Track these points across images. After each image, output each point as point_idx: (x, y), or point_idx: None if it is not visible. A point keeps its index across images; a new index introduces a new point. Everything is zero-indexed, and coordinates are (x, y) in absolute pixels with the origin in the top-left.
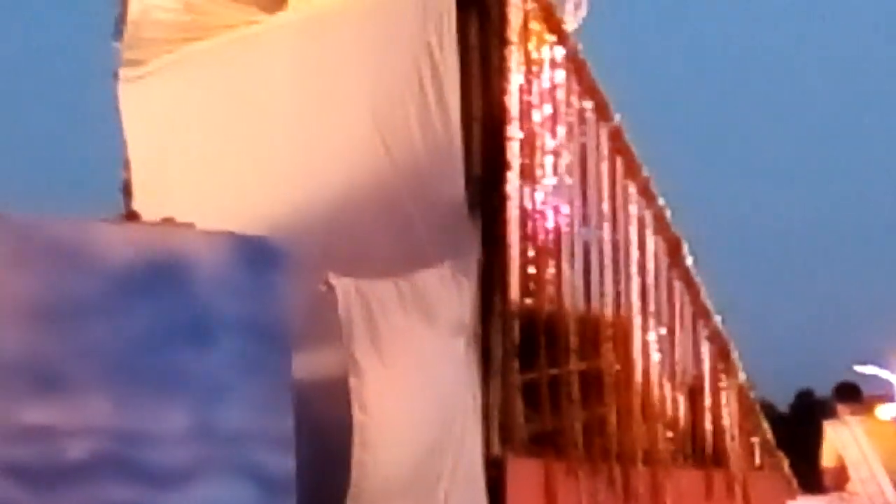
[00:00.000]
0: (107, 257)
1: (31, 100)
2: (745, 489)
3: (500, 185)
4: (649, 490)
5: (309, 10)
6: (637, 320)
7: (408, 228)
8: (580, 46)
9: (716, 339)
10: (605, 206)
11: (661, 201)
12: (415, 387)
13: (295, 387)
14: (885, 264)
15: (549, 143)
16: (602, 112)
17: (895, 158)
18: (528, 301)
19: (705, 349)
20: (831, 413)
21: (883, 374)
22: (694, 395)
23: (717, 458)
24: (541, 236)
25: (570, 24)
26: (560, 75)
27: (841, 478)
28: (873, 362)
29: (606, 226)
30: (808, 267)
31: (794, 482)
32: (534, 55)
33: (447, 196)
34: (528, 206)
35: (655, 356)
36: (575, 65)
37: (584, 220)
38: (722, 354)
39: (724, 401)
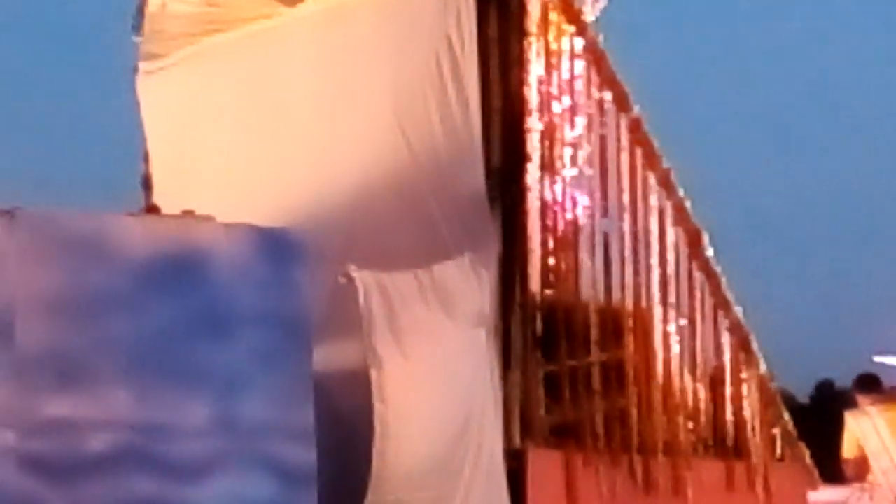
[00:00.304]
0: (127, 251)
1: (50, 94)
2: (766, 480)
3: (519, 177)
4: (670, 481)
5: (328, 2)
6: (657, 311)
7: (428, 220)
8: (599, 37)
9: (736, 329)
10: (625, 198)
11: (681, 192)
12: (435, 378)
13: (315, 379)
14: None
15: (569, 135)
16: (622, 103)
17: None
18: (549, 292)
19: (726, 340)
20: (852, 403)
21: None
22: (715, 386)
23: (738, 450)
24: (561, 228)
25: (590, 14)
26: (579, 66)
27: (862, 468)
28: (894, 352)
29: (626, 217)
30: (828, 257)
31: (815, 473)
32: (553, 46)
33: (467, 188)
34: (548, 197)
35: (676, 347)
36: (594, 56)
37: (604, 211)
38: (743, 345)
39: (744, 392)
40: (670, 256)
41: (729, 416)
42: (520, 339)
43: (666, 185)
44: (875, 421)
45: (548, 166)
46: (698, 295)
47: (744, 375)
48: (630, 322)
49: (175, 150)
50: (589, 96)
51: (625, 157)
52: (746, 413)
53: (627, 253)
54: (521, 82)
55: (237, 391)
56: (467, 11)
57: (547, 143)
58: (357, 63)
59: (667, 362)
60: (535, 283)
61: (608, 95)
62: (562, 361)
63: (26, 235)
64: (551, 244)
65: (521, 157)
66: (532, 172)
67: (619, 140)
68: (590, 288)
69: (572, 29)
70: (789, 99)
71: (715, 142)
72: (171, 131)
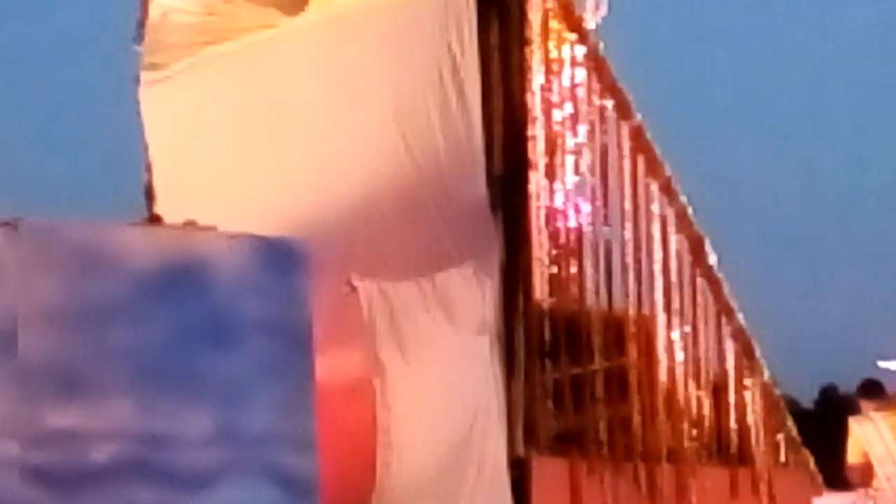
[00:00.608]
0: (130, 261)
1: (52, 104)
2: (771, 486)
3: (521, 185)
4: (674, 489)
5: (329, 11)
6: (660, 319)
7: (430, 228)
8: (601, 45)
9: (739, 336)
10: (627, 205)
11: (683, 199)
12: (438, 387)
13: (318, 388)
14: None
15: (571, 142)
16: (623, 110)
17: None
18: (551, 300)
19: (729, 347)
20: (856, 409)
21: None
22: (718, 392)
23: (742, 456)
24: (563, 235)
25: (590, 22)
26: (581, 74)
27: (867, 474)
28: None
29: (628, 224)
30: (831, 262)
31: (820, 479)
32: (554, 54)
33: (469, 196)
34: (550, 205)
35: (679, 354)
36: (595, 63)
37: (606, 218)
38: (746, 352)
39: (748, 398)
40: (673, 264)
41: (732, 422)
42: (523, 347)
43: (668, 192)
44: (879, 426)
45: (550, 174)
46: (701, 302)
47: (747, 382)
48: (633, 329)
49: (177, 160)
50: (590, 104)
51: (626, 164)
52: (750, 419)
53: (630, 260)
54: (523, 90)
55: (240, 401)
56: (468, 20)
57: (548, 150)
58: (358, 72)
59: (670, 369)
60: (537, 290)
61: (609, 103)
62: (565, 369)
63: (29, 245)
64: (554, 252)
65: (523, 165)
66: (534, 180)
67: (620, 147)
68: (593, 295)
69: (573, 37)
70: (793, 105)
71: (717, 148)
72: (173, 141)
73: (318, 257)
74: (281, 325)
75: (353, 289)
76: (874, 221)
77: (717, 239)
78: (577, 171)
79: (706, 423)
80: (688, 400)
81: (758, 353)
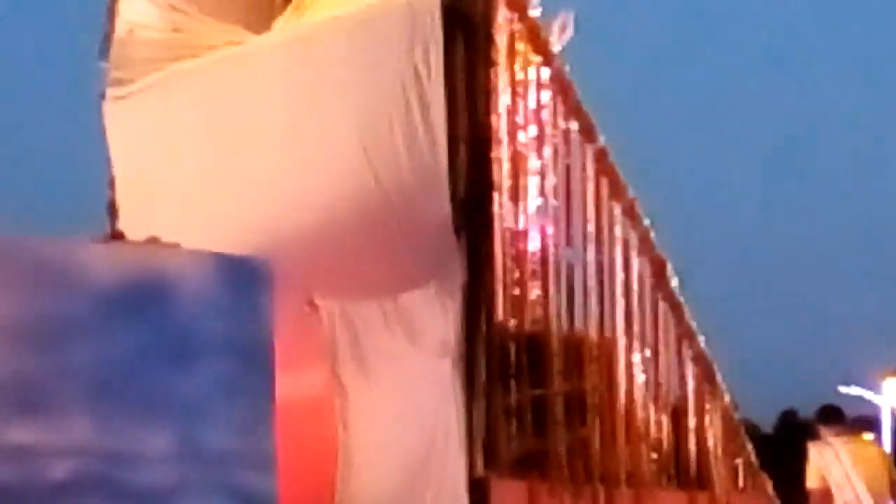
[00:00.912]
0: (91, 277)
1: (15, 119)
2: None
3: (485, 207)
4: None
5: (295, 31)
6: (622, 341)
7: (393, 249)
8: (566, 67)
9: (700, 360)
10: (591, 227)
11: (646, 222)
12: (399, 407)
13: (279, 407)
14: (870, 285)
15: (535, 164)
16: (587, 133)
17: (880, 178)
18: (514, 322)
19: (690, 370)
20: (815, 434)
21: (867, 395)
22: (678, 416)
23: (701, 480)
24: (526, 257)
25: (556, 45)
26: (546, 96)
27: (825, 500)
28: (857, 383)
29: (591, 247)
30: (793, 288)
31: (778, 503)
32: (520, 76)
33: (433, 217)
34: (514, 227)
35: (640, 377)
36: (561, 86)
37: (569, 241)
38: (706, 376)
39: (708, 422)
40: (635, 286)
41: (692, 446)
42: (484, 369)
43: (631, 215)
44: (838, 452)
45: (513, 196)
46: (662, 325)
47: (707, 406)
48: (594, 352)
49: (141, 177)
50: (555, 126)
51: (590, 186)
52: (710, 443)
53: (592, 283)
54: (488, 111)
55: (200, 418)
56: (434, 41)
57: (513, 172)
58: (323, 91)
59: (630, 392)
60: (499, 312)
61: (574, 125)
62: (526, 391)
63: None
64: (516, 274)
65: (487, 187)
66: (498, 202)
67: (584, 170)
68: (554, 317)
69: (539, 59)
70: (755, 127)
71: (681, 171)
72: (136, 157)
73: (281, 276)
74: (242, 343)
75: (315, 308)
76: (836, 248)
77: (679, 262)
78: (541, 193)
79: (665, 447)
80: (647, 423)
81: (718, 377)
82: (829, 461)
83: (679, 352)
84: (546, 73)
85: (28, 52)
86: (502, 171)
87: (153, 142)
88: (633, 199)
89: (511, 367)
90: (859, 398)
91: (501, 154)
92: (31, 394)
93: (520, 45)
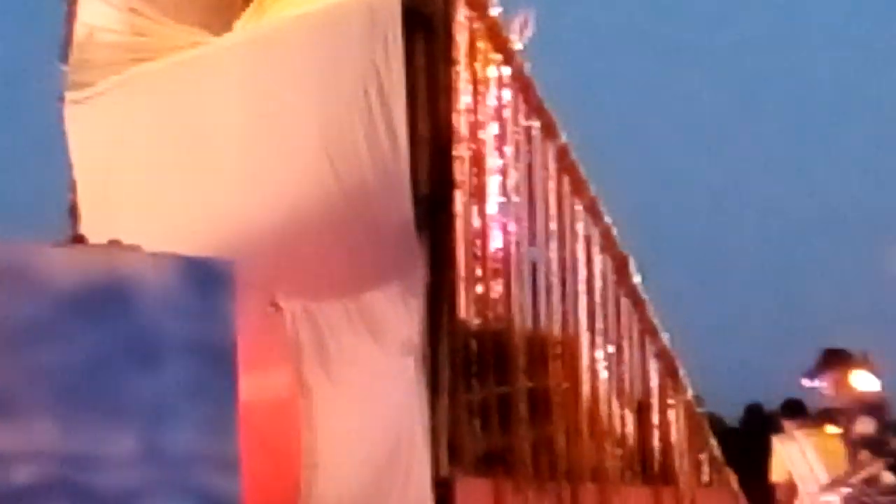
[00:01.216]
0: (53, 280)
1: None
2: None
3: (447, 205)
4: None
5: (255, 31)
6: (585, 338)
7: (356, 248)
8: (526, 65)
9: (663, 356)
10: (553, 225)
11: (607, 219)
12: (363, 407)
13: (243, 408)
14: (835, 278)
15: (496, 163)
16: (549, 131)
17: (847, 170)
18: (477, 320)
19: (653, 366)
20: (779, 428)
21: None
22: (642, 412)
23: (666, 475)
24: (488, 255)
25: (517, 43)
26: (507, 94)
27: (791, 493)
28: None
29: (553, 244)
30: (756, 281)
31: (743, 498)
32: (480, 75)
33: (395, 216)
34: (476, 225)
35: (603, 374)
36: (521, 84)
37: (532, 238)
38: (669, 371)
39: (672, 418)
40: (597, 283)
41: (656, 441)
42: (448, 367)
43: (593, 212)
44: (802, 445)
45: (475, 194)
46: (625, 321)
47: (671, 401)
48: (557, 349)
49: (102, 180)
50: (516, 124)
51: (552, 184)
52: (674, 439)
53: (555, 280)
54: (449, 110)
55: (163, 421)
56: (395, 40)
57: (474, 170)
58: (284, 92)
59: (594, 389)
60: (462, 310)
61: (535, 123)
62: (490, 389)
63: None
64: (479, 272)
65: (448, 185)
66: (460, 200)
67: (546, 168)
68: (518, 315)
69: (499, 57)
70: (719, 122)
71: (642, 167)
72: (97, 160)
73: (243, 277)
74: (205, 345)
75: (278, 309)
76: (800, 240)
77: (640, 258)
78: (502, 192)
79: (630, 443)
80: (611, 419)
81: (682, 372)
82: (793, 454)
83: (642, 348)
84: (507, 71)
85: None
86: (464, 170)
87: (114, 145)
88: (595, 197)
89: (475, 365)
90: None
91: (463, 152)
92: None
93: (480, 44)
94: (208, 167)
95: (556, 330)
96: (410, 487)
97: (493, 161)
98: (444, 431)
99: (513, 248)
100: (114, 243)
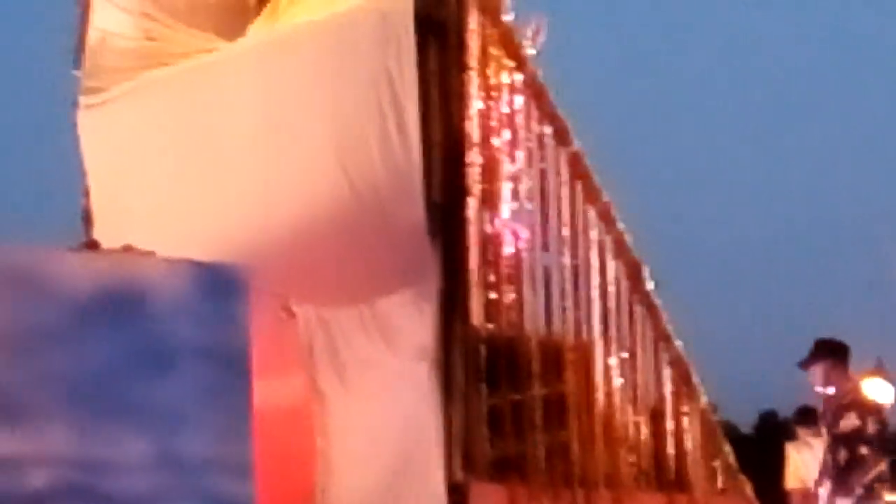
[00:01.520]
0: (67, 286)
1: None
2: None
3: (460, 211)
4: None
5: (268, 37)
6: (598, 345)
7: (369, 254)
8: (539, 71)
9: (677, 362)
10: (566, 231)
11: (620, 226)
12: (377, 413)
13: (257, 414)
14: (850, 284)
15: (509, 169)
16: (562, 137)
17: (857, 178)
18: (490, 326)
19: (667, 373)
20: (793, 435)
21: None
22: (656, 418)
23: (680, 482)
24: (501, 261)
25: (529, 49)
26: (519, 100)
27: (806, 500)
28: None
29: (567, 251)
30: (771, 288)
31: None
32: (493, 81)
33: (407, 222)
34: (489, 231)
35: (617, 380)
36: (534, 90)
37: (545, 245)
38: (683, 378)
39: (686, 424)
40: (611, 290)
41: (670, 448)
42: (461, 373)
43: (606, 218)
44: (817, 452)
45: (488, 200)
46: (639, 328)
47: (685, 408)
48: (571, 355)
49: (115, 185)
50: (529, 130)
51: (565, 190)
52: (688, 445)
53: (568, 286)
54: (462, 116)
55: (177, 426)
56: (407, 45)
57: (487, 177)
58: (296, 97)
59: (608, 395)
60: (476, 316)
61: (548, 129)
62: (503, 395)
63: None
64: (492, 278)
65: (461, 191)
66: (472, 206)
67: (559, 174)
68: (531, 321)
69: (512, 63)
70: (731, 128)
71: (655, 173)
72: (111, 166)
73: (257, 283)
74: (219, 350)
75: (292, 315)
76: (813, 247)
77: (654, 265)
78: (515, 198)
79: (644, 449)
80: (626, 426)
81: (696, 378)
82: (807, 461)
83: (656, 354)
84: (519, 77)
85: (1, 57)
86: (476, 176)
87: (127, 150)
88: (608, 203)
89: (488, 371)
90: None
91: (475, 159)
92: (6, 403)
93: (493, 50)
94: (221, 173)
95: (570, 336)
96: (424, 493)
97: (505, 167)
98: (458, 437)
99: (525, 255)
100: (127, 249)
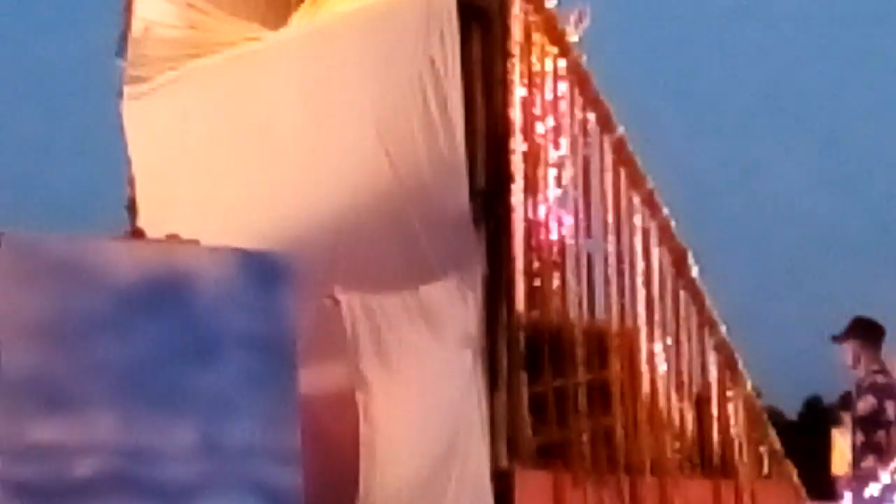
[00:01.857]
0: (112, 275)
1: (36, 118)
2: (754, 499)
3: (504, 198)
4: (657, 500)
5: (311, 26)
6: (643, 331)
7: (413, 242)
8: (583, 58)
9: (722, 348)
10: (610, 218)
11: (665, 212)
12: (421, 400)
13: (301, 401)
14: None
15: (553, 155)
16: (605, 123)
17: None
18: (534, 313)
19: (712, 359)
20: (839, 420)
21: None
22: (701, 404)
23: (725, 468)
24: (545, 248)
25: (573, 35)
26: (563, 87)
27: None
28: None
29: (611, 237)
30: (815, 273)
31: (803, 491)
32: (536, 67)
33: (452, 209)
34: (533, 218)
35: (662, 367)
36: (578, 76)
37: (589, 231)
38: (728, 364)
39: (731, 410)
40: (655, 276)
41: (715, 434)
42: (506, 360)
43: (650, 204)
44: None
45: (532, 187)
46: (683, 314)
47: (730, 394)
48: (616, 342)
49: (160, 174)
50: (572, 117)
51: (609, 177)
52: (733, 431)
53: (612, 273)
54: (505, 103)
55: (223, 414)
56: (450, 33)
57: (531, 163)
58: (340, 86)
59: (653, 382)
60: (520, 303)
61: (592, 116)
62: (548, 382)
63: (11, 260)
64: (536, 265)
65: (505, 178)
66: (516, 193)
67: (602, 160)
68: (575, 308)
69: (555, 50)
70: (779, 117)
71: (699, 159)
72: (155, 155)
73: (301, 270)
74: (264, 338)
75: (336, 302)
76: (860, 232)
77: (699, 251)
78: (559, 184)
79: (689, 436)
80: (670, 412)
81: (741, 364)
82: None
83: (701, 340)
84: (563, 63)
85: (46, 50)
86: (520, 163)
87: (171, 139)
88: (652, 189)
89: (532, 358)
90: None
91: (519, 145)
92: (54, 392)
93: (536, 37)
94: (265, 161)
95: (614, 323)
96: (469, 480)
97: (549, 154)
98: (502, 424)
99: (569, 241)
100: (172, 237)
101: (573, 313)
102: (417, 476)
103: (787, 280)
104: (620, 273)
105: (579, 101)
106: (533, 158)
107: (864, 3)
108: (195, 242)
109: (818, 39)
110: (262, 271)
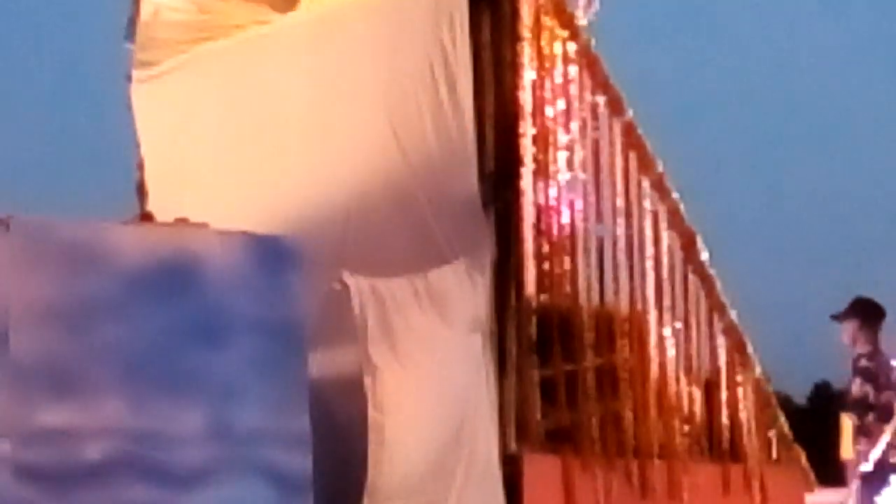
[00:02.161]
0: (121, 258)
1: (44, 102)
2: (763, 483)
3: (513, 182)
4: (666, 485)
5: (321, 9)
6: (652, 315)
7: (422, 225)
8: (592, 41)
9: (731, 332)
10: (619, 201)
11: (675, 195)
12: (430, 384)
13: (311, 386)
14: None
15: (563, 139)
16: (615, 107)
17: None
18: (544, 297)
19: (721, 343)
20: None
21: None
22: (710, 389)
23: (734, 453)
24: (555, 232)
25: (582, 18)
26: (573, 70)
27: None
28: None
29: (620, 221)
30: (824, 258)
31: (812, 475)
32: (546, 51)
33: (461, 193)
34: (542, 201)
35: (671, 351)
36: (587, 60)
37: (598, 215)
38: (738, 348)
39: (740, 395)
40: (665, 260)
41: (724, 419)
42: (515, 344)
43: (660, 188)
44: None
45: (541, 170)
46: (693, 298)
47: (739, 378)
48: (625, 326)
49: (169, 158)
50: (582, 100)
51: (618, 160)
52: (742, 416)
53: (622, 257)
54: (515, 87)
55: (232, 398)
56: (460, 16)
57: (540, 147)
58: (350, 69)
59: (662, 366)
60: (529, 287)
61: (601, 99)
62: (557, 366)
63: (20, 243)
64: (546, 248)
65: (514, 162)
66: (526, 177)
67: (612, 144)
68: (584, 292)
69: (565, 33)
70: (783, 99)
71: (710, 143)
72: (164, 139)
73: (310, 254)
74: (273, 322)
75: (345, 286)
76: (867, 217)
77: (709, 235)
78: (569, 168)
79: (698, 420)
80: (679, 396)
81: (750, 349)
82: None
83: (710, 324)
84: (573, 47)
85: (53, 35)
86: (530, 146)
87: (181, 123)
88: (662, 173)
89: (542, 342)
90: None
91: (528, 129)
92: (63, 376)
93: (546, 20)
94: (274, 145)
95: (624, 307)
96: (477, 464)
97: (559, 137)
98: (511, 408)
99: (579, 225)
100: (181, 221)
101: (582, 297)
102: (426, 460)
103: (798, 265)
104: (630, 257)
105: (589, 84)
106: (542, 142)
107: None
108: (204, 226)
109: (831, 19)
110: (272, 255)
